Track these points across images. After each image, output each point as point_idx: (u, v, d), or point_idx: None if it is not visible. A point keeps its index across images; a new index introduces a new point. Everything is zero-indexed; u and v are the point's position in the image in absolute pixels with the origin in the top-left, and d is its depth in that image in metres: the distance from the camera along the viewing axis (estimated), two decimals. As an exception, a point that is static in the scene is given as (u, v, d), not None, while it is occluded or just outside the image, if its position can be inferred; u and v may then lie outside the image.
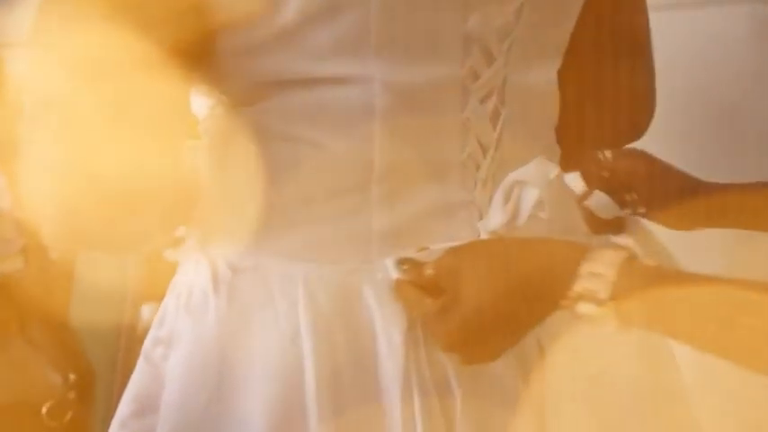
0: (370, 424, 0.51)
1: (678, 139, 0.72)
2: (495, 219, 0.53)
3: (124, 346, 1.34)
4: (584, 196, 0.69)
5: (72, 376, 1.43)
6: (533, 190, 0.53)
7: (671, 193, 0.69)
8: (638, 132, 0.73)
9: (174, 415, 0.55)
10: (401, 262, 0.51)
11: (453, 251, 0.50)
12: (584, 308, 0.43)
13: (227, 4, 0.48)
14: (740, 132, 0.97)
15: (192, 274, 0.58)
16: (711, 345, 0.41)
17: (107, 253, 0.52)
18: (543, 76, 0.58)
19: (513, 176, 0.54)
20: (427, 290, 0.50)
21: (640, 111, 0.72)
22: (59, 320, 1.74)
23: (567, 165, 0.65)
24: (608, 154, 0.69)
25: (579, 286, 0.43)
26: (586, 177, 0.69)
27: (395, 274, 0.51)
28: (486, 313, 0.48)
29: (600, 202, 0.67)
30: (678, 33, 0.82)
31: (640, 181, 0.69)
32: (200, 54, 0.50)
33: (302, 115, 0.51)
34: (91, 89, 0.44)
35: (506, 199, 0.54)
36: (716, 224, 0.70)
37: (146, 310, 1.40)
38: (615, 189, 0.69)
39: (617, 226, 0.70)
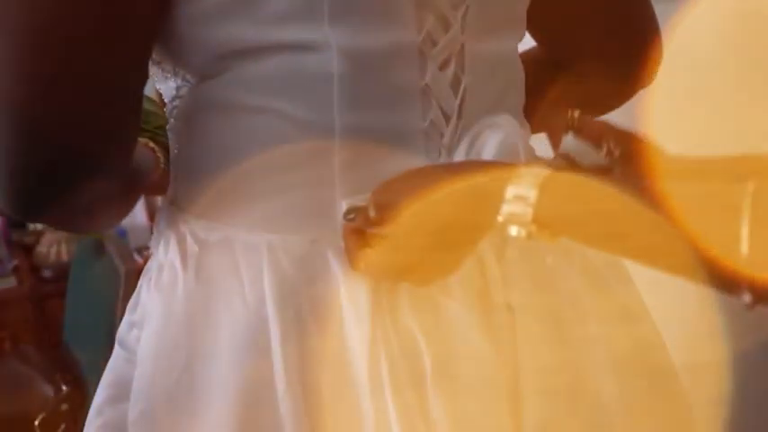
0: (339, 392, 0.51)
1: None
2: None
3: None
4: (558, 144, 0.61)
5: (64, 388, 1.43)
6: (499, 131, 0.53)
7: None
8: (650, 77, 0.72)
9: (145, 393, 0.54)
10: (348, 212, 0.51)
11: (387, 185, 0.50)
12: (512, 231, 0.43)
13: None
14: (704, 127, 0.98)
15: (162, 253, 0.58)
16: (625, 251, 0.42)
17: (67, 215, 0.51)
18: (503, 44, 0.59)
19: (481, 123, 0.54)
20: (371, 234, 0.50)
21: (650, 49, 0.70)
22: (52, 335, 1.75)
23: (534, 127, 0.64)
24: (576, 113, 0.66)
25: (505, 210, 0.43)
26: (553, 134, 0.64)
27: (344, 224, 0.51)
28: (423, 241, 0.48)
29: (575, 145, 0.59)
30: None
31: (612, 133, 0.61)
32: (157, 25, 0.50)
33: (262, 85, 0.51)
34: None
35: (471, 145, 0.54)
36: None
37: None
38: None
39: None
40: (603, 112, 0.74)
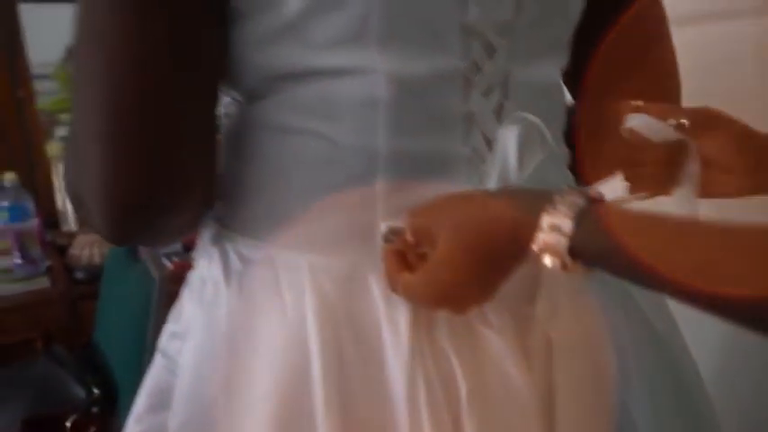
0: (376, 413, 0.51)
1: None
2: (492, 172, 0.54)
3: (149, 361, 1.36)
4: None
5: (96, 391, 1.45)
6: (517, 126, 0.54)
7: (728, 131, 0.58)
8: None
9: (185, 406, 0.56)
10: (388, 234, 0.52)
11: (423, 211, 0.51)
12: (547, 261, 0.43)
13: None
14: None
15: (205, 268, 0.59)
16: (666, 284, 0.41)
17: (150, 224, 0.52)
18: (547, 71, 0.59)
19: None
20: (411, 257, 0.51)
21: (672, 88, 0.72)
22: (83, 337, 1.77)
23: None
24: (638, 102, 0.59)
25: (540, 240, 0.43)
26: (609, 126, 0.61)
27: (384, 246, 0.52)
28: (458, 269, 0.48)
29: (643, 121, 0.57)
30: (683, 49, 0.82)
31: (681, 109, 0.58)
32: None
33: (308, 108, 0.52)
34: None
35: (497, 147, 0.54)
36: None
37: (170, 326, 1.42)
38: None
39: (673, 154, 0.58)
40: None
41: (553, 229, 0.43)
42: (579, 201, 0.43)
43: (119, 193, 0.48)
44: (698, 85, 0.76)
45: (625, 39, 0.69)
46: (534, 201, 0.45)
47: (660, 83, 0.72)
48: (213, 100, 0.52)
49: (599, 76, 0.70)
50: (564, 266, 0.43)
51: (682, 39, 0.73)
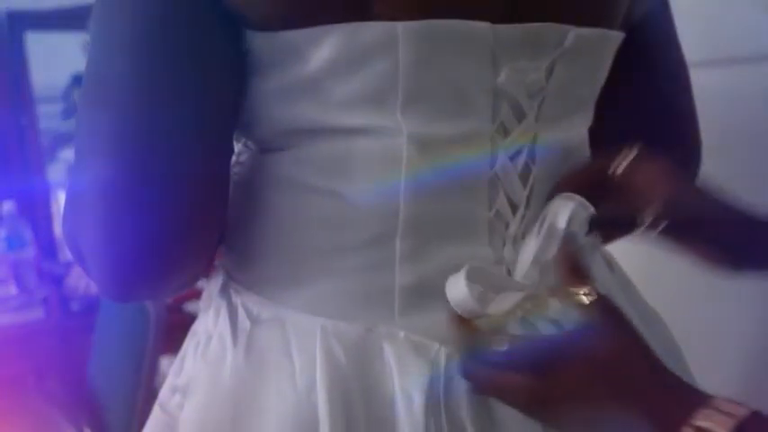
0: None
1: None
2: (530, 244, 0.52)
3: (142, 398, 1.32)
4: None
5: (87, 430, 1.41)
6: (570, 202, 0.51)
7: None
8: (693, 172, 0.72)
9: None
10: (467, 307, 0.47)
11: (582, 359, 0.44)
12: None
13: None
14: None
15: (212, 321, 0.57)
16: None
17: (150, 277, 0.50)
18: (574, 131, 0.57)
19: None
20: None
21: (693, 144, 0.70)
22: (77, 373, 1.73)
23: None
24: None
25: None
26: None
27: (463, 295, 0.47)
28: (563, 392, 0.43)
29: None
30: (715, 90, 0.80)
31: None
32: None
33: (325, 165, 0.50)
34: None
35: (543, 216, 0.52)
36: None
37: (164, 363, 1.39)
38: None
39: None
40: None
41: None
42: (739, 410, 0.39)
43: (120, 253, 0.46)
44: (727, 129, 0.74)
45: (646, 92, 0.68)
46: (686, 393, 0.41)
47: (680, 130, 0.70)
48: (224, 156, 0.51)
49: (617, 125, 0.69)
50: None
51: (712, 80, 0.72)
